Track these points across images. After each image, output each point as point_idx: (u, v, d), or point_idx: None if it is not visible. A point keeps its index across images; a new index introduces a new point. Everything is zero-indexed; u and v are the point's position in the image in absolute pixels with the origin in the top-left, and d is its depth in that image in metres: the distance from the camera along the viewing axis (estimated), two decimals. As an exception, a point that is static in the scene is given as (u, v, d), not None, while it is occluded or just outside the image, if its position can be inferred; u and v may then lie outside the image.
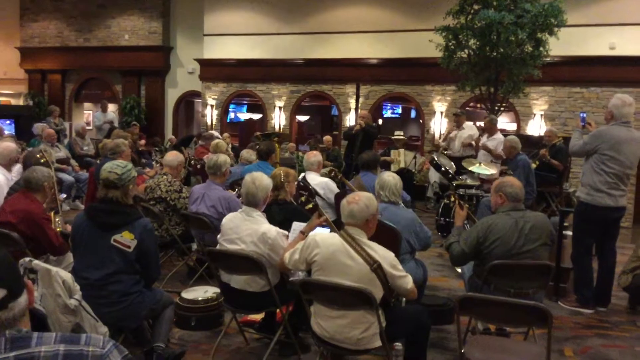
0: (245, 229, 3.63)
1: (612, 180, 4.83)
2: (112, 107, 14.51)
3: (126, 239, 3.24)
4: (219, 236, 3.81)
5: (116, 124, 12.51)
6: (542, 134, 9.56)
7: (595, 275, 5.15)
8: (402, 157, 9.95)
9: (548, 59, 9.07)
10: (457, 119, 9.22)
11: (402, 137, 10.45)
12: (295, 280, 3.44)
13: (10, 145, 5.76)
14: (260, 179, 3.73)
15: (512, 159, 7.08)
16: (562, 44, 8.96)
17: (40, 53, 15.24)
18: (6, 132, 10.08)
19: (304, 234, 3.47)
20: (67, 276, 2.95)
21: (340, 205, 3.21)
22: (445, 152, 9.27)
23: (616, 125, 4.86)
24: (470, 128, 8.95)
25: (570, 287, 5.33)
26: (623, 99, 4.87)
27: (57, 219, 4.70)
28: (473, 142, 8.84)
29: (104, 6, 14.63)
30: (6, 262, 1.44)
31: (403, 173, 9.24)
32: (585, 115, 5.30)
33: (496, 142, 8.08)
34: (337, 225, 3.53)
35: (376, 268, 2.94)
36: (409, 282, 3.08)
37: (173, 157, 5.66)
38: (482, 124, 9.33)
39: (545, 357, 2.89)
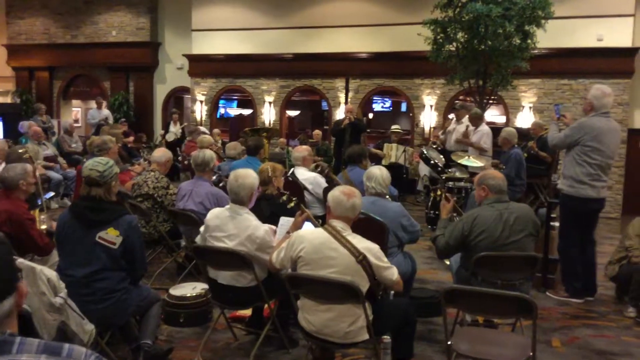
0: (232, 228, 3.61)
1: (594, 172, 4.85)
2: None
3: (111, 235, 3.22)
4: (201, 230, 3.78)
5: (111, 121, 12.40)
6: (530, 126, 9.57)
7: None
8: (393, 152, 9.93)
9: (536, 51, 9.09)
10: (456, 113, 9.20)
11: (399, 130, 10.41)
12: (283, 274, 3.43)
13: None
14: (243, 177, 3.68)
15: (506, 152, 7.08)
16: (550, 36, 8.97)
17: (27, 50, 15.08)
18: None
19: (289, 234, 3.46)
20: (52, 274, 2.93)
21: (331, 198, 3.18)
22: (435, 146, 9.26)
23: (597, 116, 4.88)
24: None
25: (558, 278, 5.36)
26: (602, 89, 4.90)
27: (42, 217, 4.68)
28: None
29: (90, 2, 14.48)
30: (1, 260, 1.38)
31: (393, 167, 9.25)
32: (559, 107, 5.33)
33: (480, 134, 8.04)
34: (324, 221, 3.53)
35: (362, 260, 2.95)
36: (394, 273, 3.10)
37: (161, 153, 5.63)
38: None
39: (532, 348, 2.91)
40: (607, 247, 6.57)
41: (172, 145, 11.42)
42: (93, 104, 13.40)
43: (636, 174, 10.32)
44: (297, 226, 3.55)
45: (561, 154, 9.33)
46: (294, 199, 3.68)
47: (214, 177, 5.83)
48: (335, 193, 3.18)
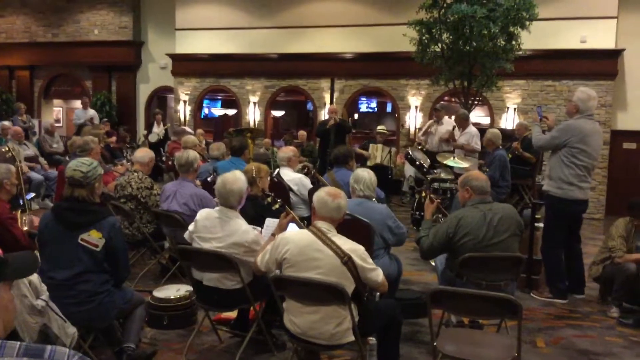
0: (220, 231, 3.58)
1: (582, 173, 4.93)
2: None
3: (94, 237, 3.18)
4: (190, 229, 3.74)
5: (96, 121, 12.24)
6: (515, 127, 9.63)
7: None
8: (378, 152, 9.93)
9: (520, 52, 9.13)
10: (436, 114, 9.23)
11: (384, 131, 10.40)
12: (268, 276, 3.40)
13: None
14: (231, 183, 3.62)
15: (490, 153, 7.12)
16: (534, 38, 9.03)
17: (8, 49, 14.83)
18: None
19: (274, 236, 3.43)
20: (34, 276, 2.88)
21: (316, 199, 3.17)
22: (420, 147, 9.27)
23: (582, 118, 4.96)
24: (449, 123, 8.92)
25: (542, 279, 5.40)
26: (588, 92, 4.98)
27: (24, 218, 4.60)
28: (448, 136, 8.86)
29: (72, 0, 14.29)
30: None
31: (378, 168, 9.25)
32: (541, 108, 5.42)
33: (468, 136, 8.07)
34: (309, 222, 3.51)
35: (347, 261, 2.94)
36: (379, 274, 3.10)
37: (143, 153, 5.56)
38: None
39: (516, 349, 2.91)
40: (591, 248, 6.63)
41: (155, 146, 11.31)
42: (74, 103, 13.21)
43: (619, 175, 10.45)
44: (282, 228, 3.52)
45: (545, 155, 9.44)
46: (278, 200, 3.65)
47: (209, 178, 5.77)
48: (320, 194, 3.16)
